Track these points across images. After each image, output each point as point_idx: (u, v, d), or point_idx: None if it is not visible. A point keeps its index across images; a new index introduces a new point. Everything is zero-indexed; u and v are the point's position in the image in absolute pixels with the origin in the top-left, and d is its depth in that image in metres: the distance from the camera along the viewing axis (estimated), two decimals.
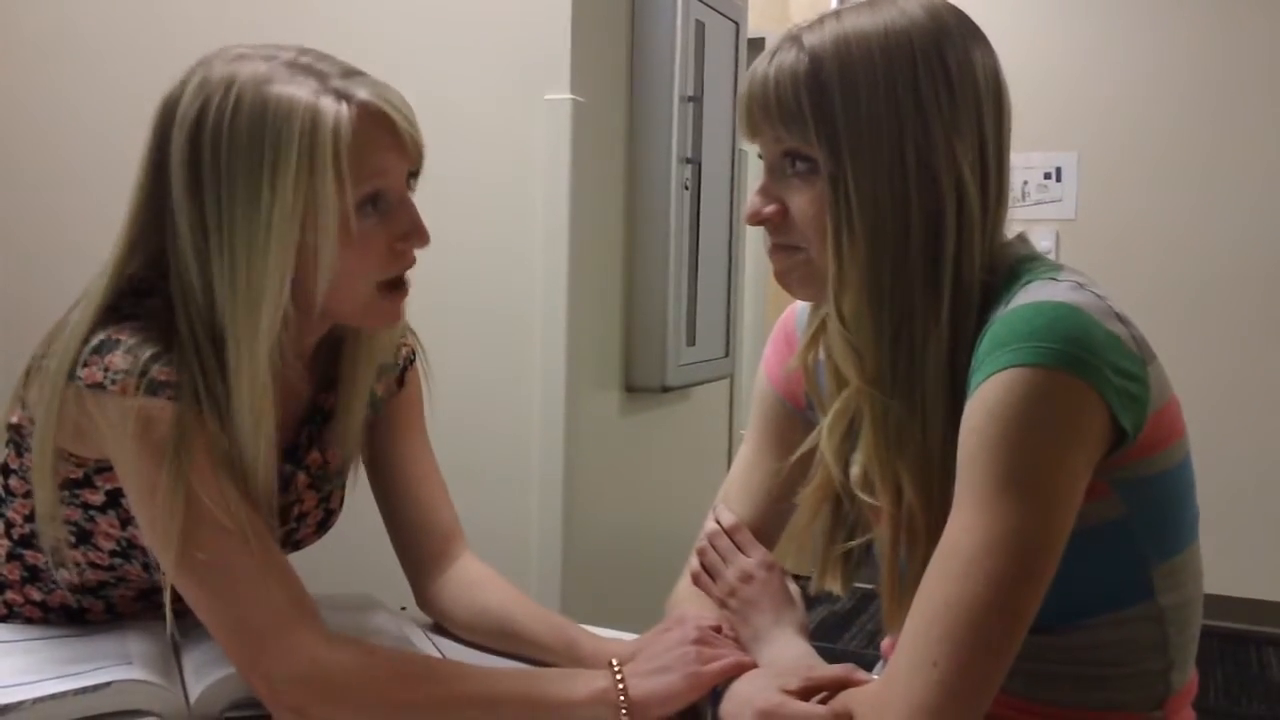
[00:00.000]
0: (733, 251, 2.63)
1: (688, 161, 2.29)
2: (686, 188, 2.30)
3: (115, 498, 1.06)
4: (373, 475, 1.27)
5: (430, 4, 2.11)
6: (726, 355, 2.64)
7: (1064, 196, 4.07)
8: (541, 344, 2.05)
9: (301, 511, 1.19)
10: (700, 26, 2.32)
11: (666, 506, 2.48)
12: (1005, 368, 0.86)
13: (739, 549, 1.15)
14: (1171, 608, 0.98)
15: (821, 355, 1.07)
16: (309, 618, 0.99)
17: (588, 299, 2.10)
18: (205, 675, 1.03)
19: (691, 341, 2.40)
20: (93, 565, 1.11)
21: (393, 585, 1.30)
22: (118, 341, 0.99)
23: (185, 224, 1.00)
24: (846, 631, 3.66)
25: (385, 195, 1.03)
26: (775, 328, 1.24)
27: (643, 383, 2.30)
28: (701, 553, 1.18)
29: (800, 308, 1.19)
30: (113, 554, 1.10)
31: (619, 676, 0.99)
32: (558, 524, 2.05)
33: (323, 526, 1.23)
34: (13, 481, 1.12)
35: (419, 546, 1.26)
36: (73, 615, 1.17)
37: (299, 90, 0.98)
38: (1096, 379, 0.86)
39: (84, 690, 0.97)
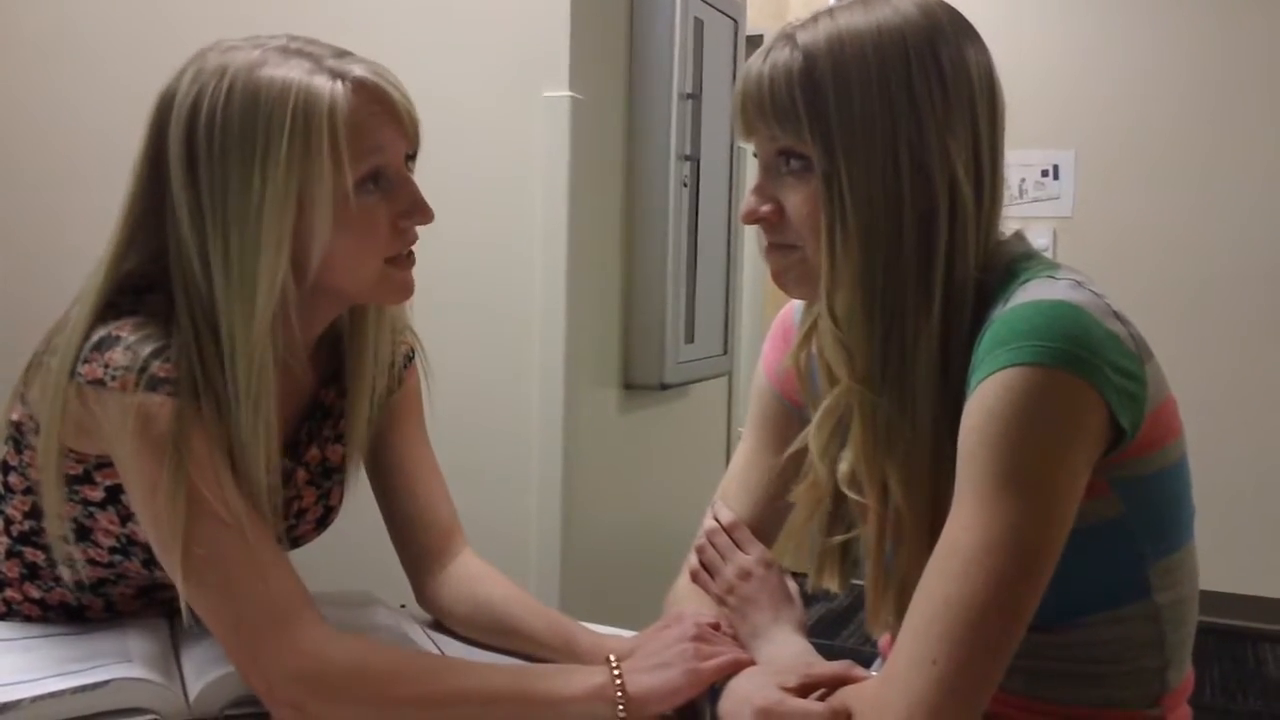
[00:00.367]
0: (731, 249, 2.63)
1: (686, 159, 2.29)
2: (685, 185, 2.31)
3: (114, 494, 1.06)
4: (372, 472, 1.27)
5: (429, 1, 2.11)
6: (725, 353, 2.64)
7: (1061, 194, 4.07)
8: (540, 341, 2.05)
9: (301, 508, 1.19)
10: (699, 24, 2.32)
11: (665, 504, 2.49)
12: (1005, 367, 0.86)
13: (737, 546, 1.15)
14: (1168, 606, 0.99)
15: (813, 353, 1.08)
16: (308, 614, 0.99)
17: (586, 296, 2.10)
18: (205, 673, 1.03)
19: (690, 339, 2.40)
20: (92, 562, 1.11)
21: (392, 582, 1.30)
22: (118, 338, 0.99)
23: (184, 209, 1.00)
24: (845, 629, 3.67)
25: (385, 172, 1.04)
26: (774, 324, 1.24)
27: (641, 380, 2.30)
28: (700, 550, 1.18)
29: (799, 304, 1.19)
30: (112, 550, 1.10)
31: (617, 673, 0.99)
32: (556, 521, 2.05)
33: (322, 523, 1.23)
34: (12, 478, 1.12)
35: (419, 543, 1.26)
36: (72, 613, 1.17)
37: (292, 71, 0.99)
38: (1096, 378, 0.86)
39: (83, 688, 0.97)
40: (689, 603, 1.15)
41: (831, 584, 1.12)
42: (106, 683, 0.98)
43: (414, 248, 1.10)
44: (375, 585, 1.34)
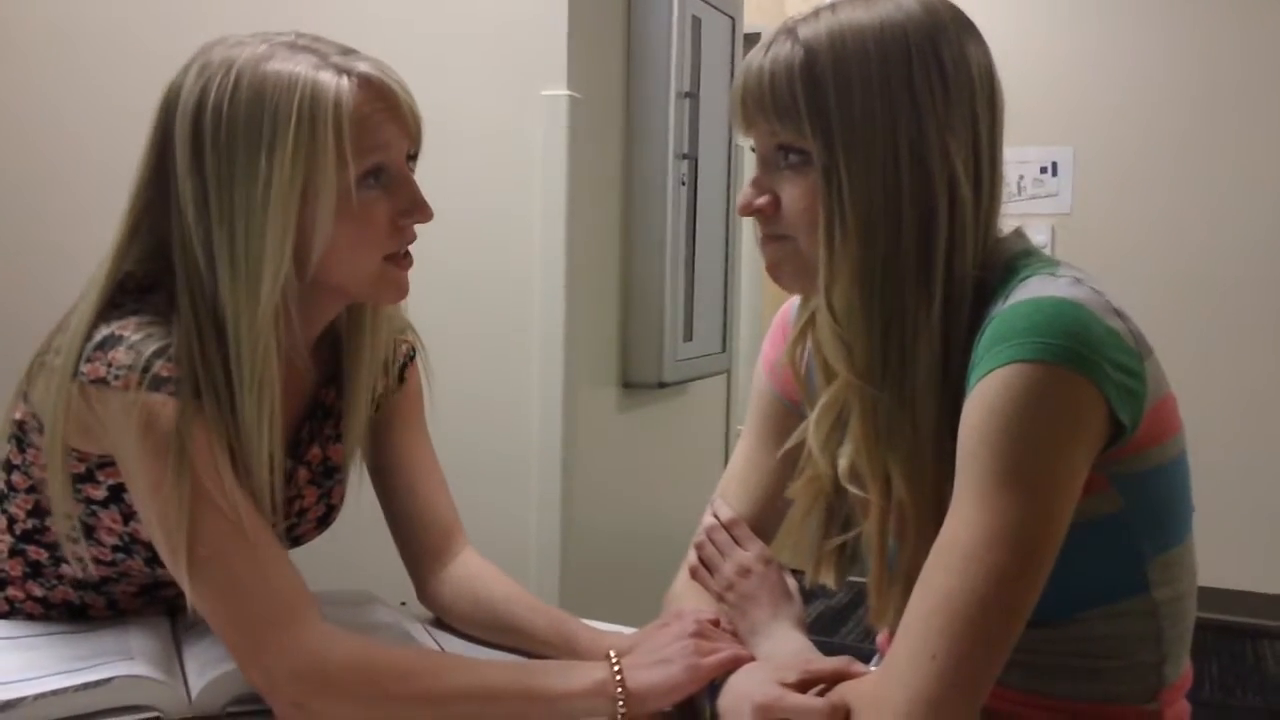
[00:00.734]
0: (729, 247, 2.64)
1: (684, 157, 2.30)
2: (683, 183, 2.31)
3: (117, 493, 1.07)
4: (374, 471, 1.28)
5: (428, 1, 2.11)
6: (723, 351, 2.64)
7: (1060, 191, 4.08)
8: (539, 340, 2.05)
9: (303, 507, 1.19)
10: (696, 22, 2.32)
11: (664, 502, 2.49)
12: (1005, 363, 0.86)
13: (737, 543, 1.16)
14: (1165, 601, 0.99)
15: (809, 349, 1.08)
16: (309, 613, 0.99)
17: (585, 295, 2.10)
18: (207, 670, 1.03)
19: (689, 337, 2.40)
20: (96, 560, 1.12)
21: (392, 581, 1.30)
22: (120, 337, 1.00)
23: (189, 198, 1.01)
24: (844, 625, 3.67)
25: (387, 169, 1.05)
26: (773, 321, 1.24)
27: (640, 378, 2.30)
28: (699, 547, 1.18)
29: (797, 301, 1.19)
30: (115, 549, 1.11)
31: (617, 668, 0.99)
32: (555, 519, 2.06)
33: (324, 522, 1.24)
34: (15, 477, 1.13)
35: (420, 542, 1.27)
36: (75, 611, 1.18)
37: (298, 66, 1.00)
38: (1096, 374, 0.86)
39: (85, 686, 0.97)
40: (688, 600, 1.16)
41: (828, 579, 1.12)
42: (109, 680, 0.98)
43: (412, 248, 1.10)
44: (374, 583, 1.34)
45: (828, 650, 1.02)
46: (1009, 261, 0.97)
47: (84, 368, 0.99)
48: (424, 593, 1.28)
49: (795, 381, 1.12)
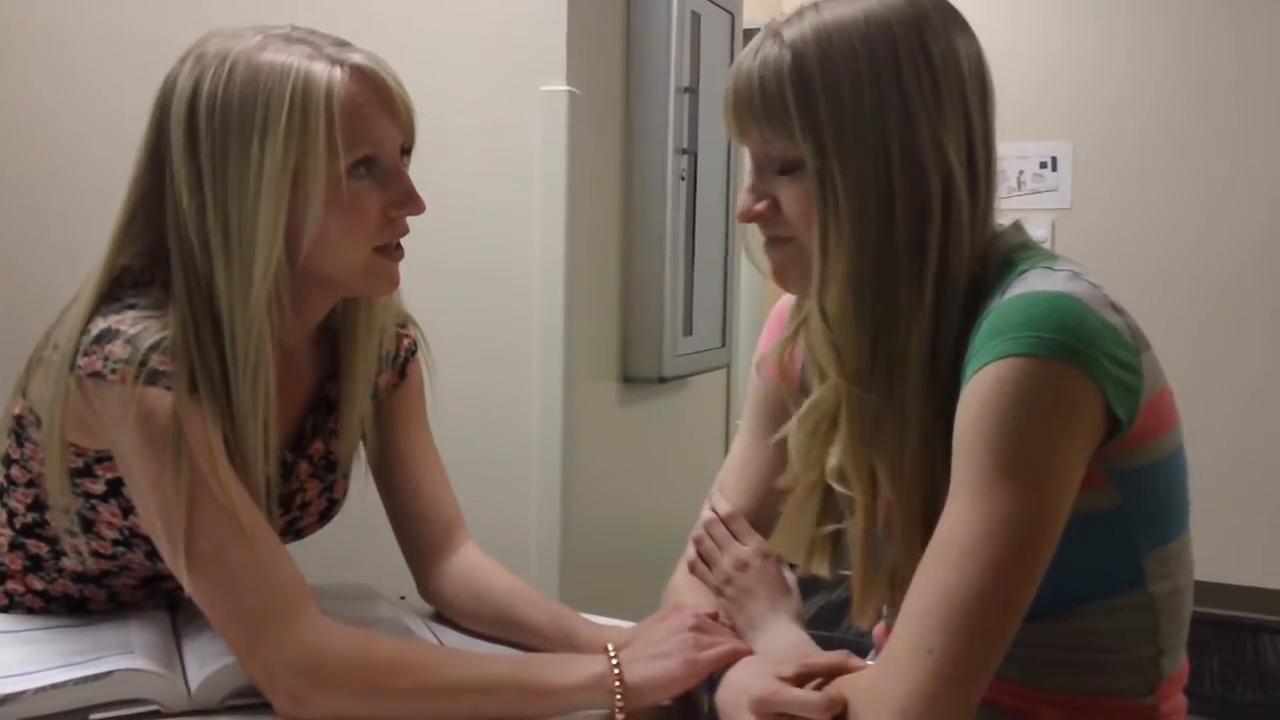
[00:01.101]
0: (729, 242, 2.63)
1: (684, 153, 2.30)
2: (683, 179, 2.31)
3: (116, 487, 1.07)
4: (375, 466, 1.28)
5: None
6: (723, 345, 2.64)
7: (1059, 186, 4.07)
8: (539, 335, 2.05)
9: (304, 500, 1.20)
10: (696, 18, 2.32)
11: (663, 496, 2.49)
12: (1001, 357, 0.86)
13: (735, 538, 1.16)
14: (1162, 596, 0.99)
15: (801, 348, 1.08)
16: (307, 606, 0.99)
17: (585, 290, 2.10)
18: (206, 664, 1.03)
19: (688, 332, 2.40)
20: (96, 554, 1.12)
21: (392, 575, 1.30)
22: (117, 331, 1.00)
23: (184, 184, 1.01)
24: (843, 620, 3.67)
25: (378, 160, 1.05)
26: (771, 315, 1.24)
27: (640, 373, 2.31)
28: (698, 541, 1.19)
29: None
30: (115, 543, 1.11)
31: (615, 662, 0.99)
32: (556, 514, 2.06)
33: (325, 516, 1.24)
34: (14, 471, 1.13)
35: (421, 536, 1.27)
36: (74, 605, 1.18)
37: (292, 56, 1.01)
38: (1092, 368, 0.86)
39: (85, 679, 0.97)
40: (687, 594, 1.16)
41: (821, 570, 1.12)
42: (109, 674, 0.98)
43: (405, 243, 1.10)
44: (374, 578, 1.34)
45: (826, 645, 1.02)
46: (1007, 255, 0.97)
47: (81, 362, 0.99)
48: (425, 587, 1.28)
49: (784, 380, 1.13)
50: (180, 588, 1.00)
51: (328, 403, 1.20)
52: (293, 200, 1.01)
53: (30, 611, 1.18)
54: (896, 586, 0.91)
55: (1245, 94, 3.84)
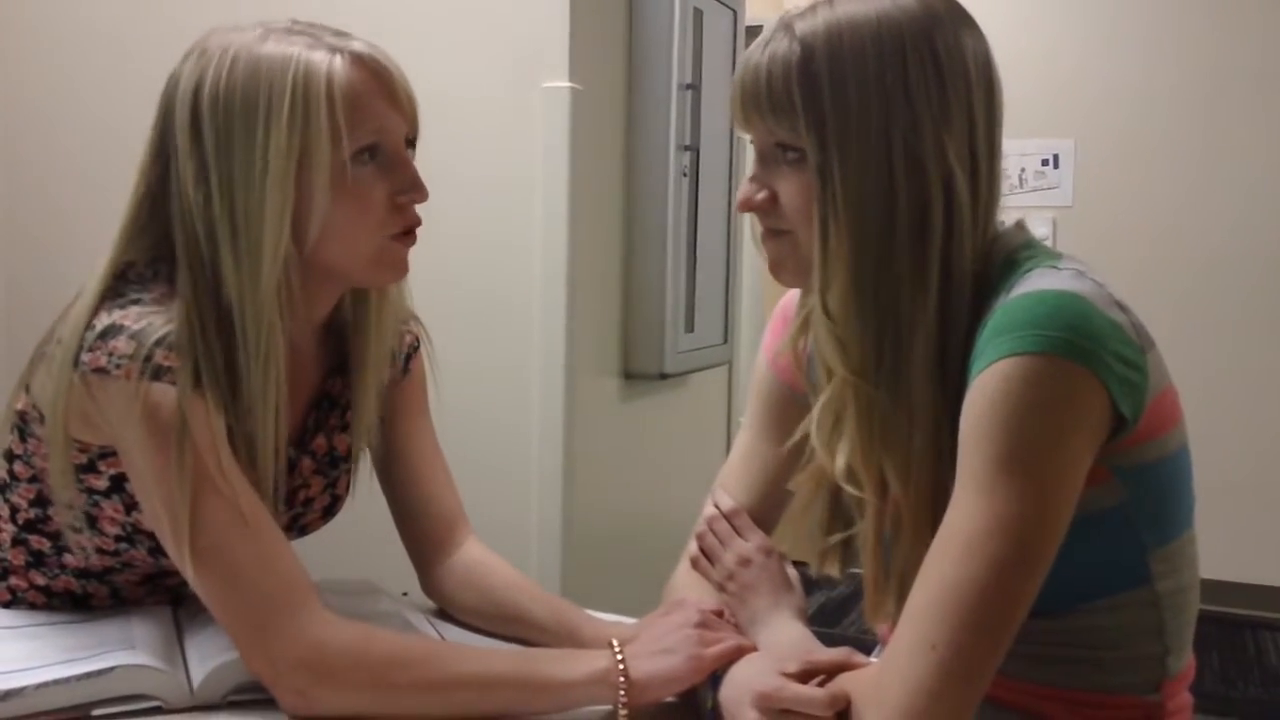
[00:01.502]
0: (731, 238, 2.63)
1: (686, 149, 2.29)
2: (685, 175, 2.31)
3: (119, 483, 1.07)
4: (378, 461, 1.28)
5: None
6: (725, 342, 2.64)
7: (1061, 183, 4.07)
8: (540, 331, 2.05)
9: (308, 497, 1.20)
10: (698, 14, 2.32)
11: (665, 493, 2.49)
12: (1006, 355, 0.86)
13: (737, 533, 1.16)
14: (1167, 593, 0.99)
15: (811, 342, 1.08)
16: (311, 602, 0.99)
17: (586, 286, 2.10)
18: (209, 660, 1.03)
19: (690, 328, 2.40)
20: (99, 550, 1.12)
21: (395, 571, 1.30)
22: (121, 326, 1.00)
23: (190, 178, 1.02)
24: (846, 616, 3.67)
25: (382, 148, 1.05)
26: (775, 311, 1.24)
27: (641, 370, 2.30)
28: (700, 537, 1.19)
29: (798, 291, 1.19)
30: (118, 539, 1.11)
31: (619, 657, 0.99)
32: (557, 510, 2.06)
33: (329, 512, 1.24)
34: (17, 467, 1.13)
35: (424, 532, 1.27)
36: (77, 601, 1.18)
37: (292, 47, 1.02)
38: (1097, 366, 0.86)
39: (87, 675, 0.97)
40: (689, 590, 1.16)
41: (832, 570, 1.12)
42: (111, 669, 0.98)
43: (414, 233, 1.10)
44: (376, 573, 1.34)
45: (829, 641, 1.02)
46: (1010, 254, 0.97)
47: (85, 357, 0.99)
48: (428, 583, 1.28)
49: (797, 372, 1.12)
50: (183, 584, 1.00)
51: (331, 398, 1.20)
52: (298, 188, 1.01)
53: (33, 607, 1.18)
54: (907, 587, 0.90)
55: (1247, 91, 3.84)
